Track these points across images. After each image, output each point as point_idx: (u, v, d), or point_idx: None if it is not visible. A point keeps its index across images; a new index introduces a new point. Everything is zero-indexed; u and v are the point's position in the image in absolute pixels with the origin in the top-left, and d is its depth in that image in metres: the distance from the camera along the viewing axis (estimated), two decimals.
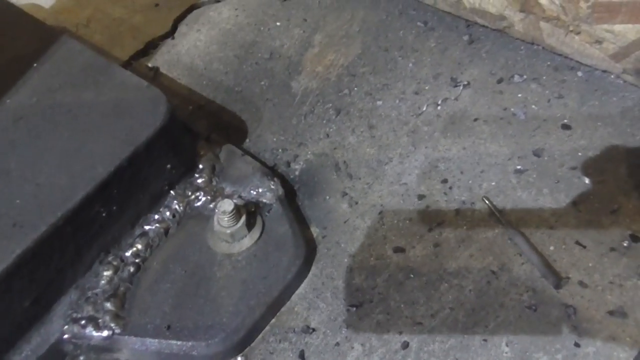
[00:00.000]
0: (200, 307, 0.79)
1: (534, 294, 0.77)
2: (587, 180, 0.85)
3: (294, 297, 0.82)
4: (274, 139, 1.00)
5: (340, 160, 0.95)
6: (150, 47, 1.21)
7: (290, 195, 0.92)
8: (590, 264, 0.78)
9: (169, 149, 0.85)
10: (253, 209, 0.86)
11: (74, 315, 0.81)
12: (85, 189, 0.78)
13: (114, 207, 0.82)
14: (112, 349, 0.80)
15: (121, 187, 0.81)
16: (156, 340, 0.78)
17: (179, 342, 0.77)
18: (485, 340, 0.75)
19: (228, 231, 0.82)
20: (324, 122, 1.01)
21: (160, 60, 1.18)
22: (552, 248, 0.80)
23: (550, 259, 0.79)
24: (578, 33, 0.94)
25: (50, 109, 0.86)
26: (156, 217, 0.88)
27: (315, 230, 0.88)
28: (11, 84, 0.89)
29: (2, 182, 0.81)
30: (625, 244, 0.78)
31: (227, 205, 0.81)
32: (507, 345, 0.74)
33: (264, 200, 0.88)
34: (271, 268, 0.81)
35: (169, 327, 0.78)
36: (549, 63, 0.99)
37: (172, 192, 0.89)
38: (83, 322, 0.80)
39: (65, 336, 0.81)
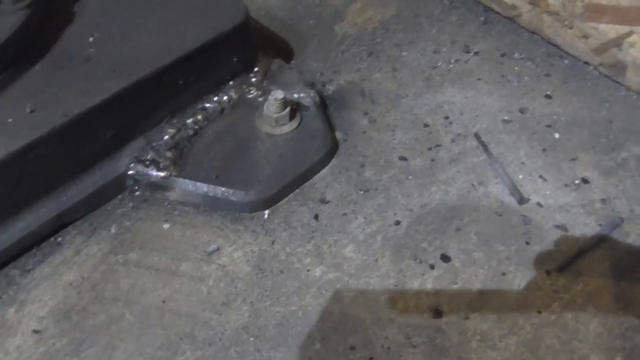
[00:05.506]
0: (243, 167, 1.00)
1: (502, 205, 0.99)
2: (557, 135, 1.08)
3: (315, 177, 1.04)
4: (315, 65, 1.22)
5: (366, 89, 1.17)
6: None
7: (322, 107, 1.13)
8: (547, 192, 1.01)
9: (239, 44, 1.06)
10: (294, 106, 1.07)
11: (140, 157, 1.01)
12: (174, 55, 0.99)
13: (190, 79, 1.03)
14: (167, 187, 1.00)
15: (199, 62, 1.02)
16: (205, 184, 0.98)
17: (223, 189, 0.98)
18: (459, 229, 0.97)
19: (274, 116, 1.03)
20: (357, 59, 1.23)
21: None
22: (520, 177, 1.03)
23: (517, 184, 1.02)
24: (571, 28, 1.17)
25: None
26: (215, 98, 1.08)
27: (338, 134, 1.10)
28: None
29: (106, 40, 1.01)
30: (576, 182, 1.01)
31: (279, 94, 1.02)
32: (475, 235, 0.96)
33: (304, 103, 1.09)
34: (303, 150, 1.03)
35: (217, 177, 0.99)
36: (543, 49, 1.23)
37: (231, 82, 1.10)
38: (147, 162, 1.00)
39: (130, 172, 1.01)
